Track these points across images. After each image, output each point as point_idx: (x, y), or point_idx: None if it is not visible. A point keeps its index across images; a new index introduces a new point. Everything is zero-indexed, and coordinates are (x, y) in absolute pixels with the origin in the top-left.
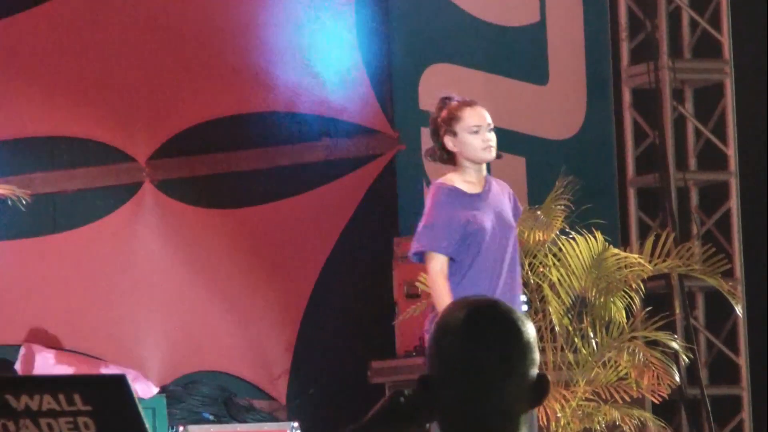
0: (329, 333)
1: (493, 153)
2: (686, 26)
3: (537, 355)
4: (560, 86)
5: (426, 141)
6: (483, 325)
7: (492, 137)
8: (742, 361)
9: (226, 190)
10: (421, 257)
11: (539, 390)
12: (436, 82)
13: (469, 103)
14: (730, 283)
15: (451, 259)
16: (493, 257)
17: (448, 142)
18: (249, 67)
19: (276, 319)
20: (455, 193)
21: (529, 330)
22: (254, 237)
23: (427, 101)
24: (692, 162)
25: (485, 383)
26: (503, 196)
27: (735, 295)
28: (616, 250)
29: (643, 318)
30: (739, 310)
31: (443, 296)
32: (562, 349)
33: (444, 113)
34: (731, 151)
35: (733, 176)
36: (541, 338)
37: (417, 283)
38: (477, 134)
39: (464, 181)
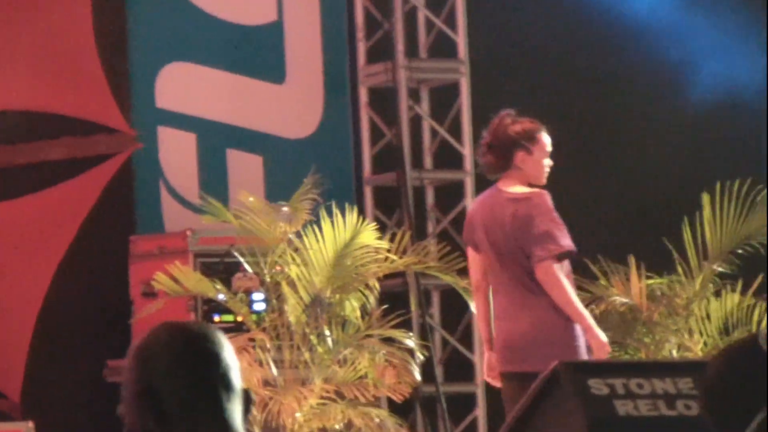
0: (65, 331)
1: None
2: (422, 26)
3: (236, 374)
4: (297, 85)
5: (163, 139)
6: (183, 349)
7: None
8: (477, 358)
9: None
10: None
11: (247, 402)
12: (174, 81)
13: (542, 127)
14: (466, 281)
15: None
16: None
17: (519, 157)
18: None
19: (10, 317)
20: None
21: (229, 353)
22: None
23: (164, 100)
24: (428, 161)
25: (208, 402)
26: None
27: (470, 293)
28: (365, 236)
29: (380, 316)
30: (473, 307)
31: (572, 295)
32: (299, 348)
33: (519, 128)
34: (467, 151)
35: (469, 175)
36: (277, 336)
37: (153, 282)
38: (547, 158)
39: None
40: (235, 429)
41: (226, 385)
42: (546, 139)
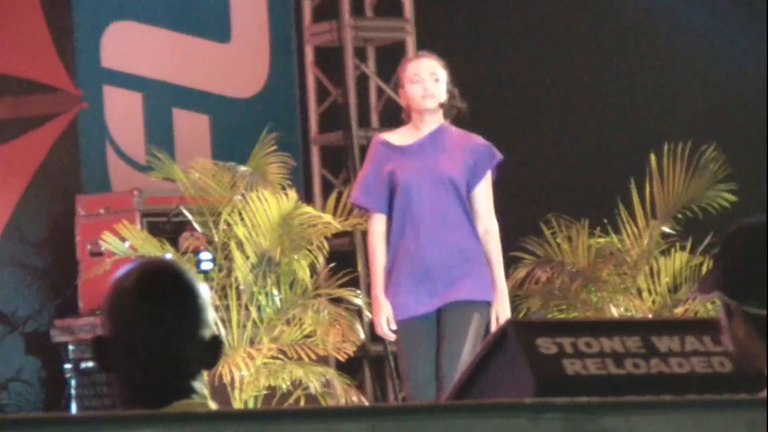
0: (12, 292)
1: (432, 102)
2: None
3: (211, 316)
4: (243, 44)
5: (108, 98)
6: (156, 284)
7: (433, 87)
8: None
9: None
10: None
11: (214, 351)
12: (119, 40)
13: (416, 56)
14: None
15: (389, 216)
16: (421, 211)
17: (402, 97)
18: None
19: None
20: (384, 145)
21: (203, 290)
22: None
23: (109, 59)
24: (375, 120)
25: (160, 340)
26: (455, 148)
27: None
28: (308, 209)
29: (327, 276)
30: None
31: (371, 256)
32: (247, 308)
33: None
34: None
35: None
36: (225, 296)
37: (100, 242)
38: (417, 83)
39: (402, 133)
40: (182, 371)
41: (194, 327)
42: (411, 66)
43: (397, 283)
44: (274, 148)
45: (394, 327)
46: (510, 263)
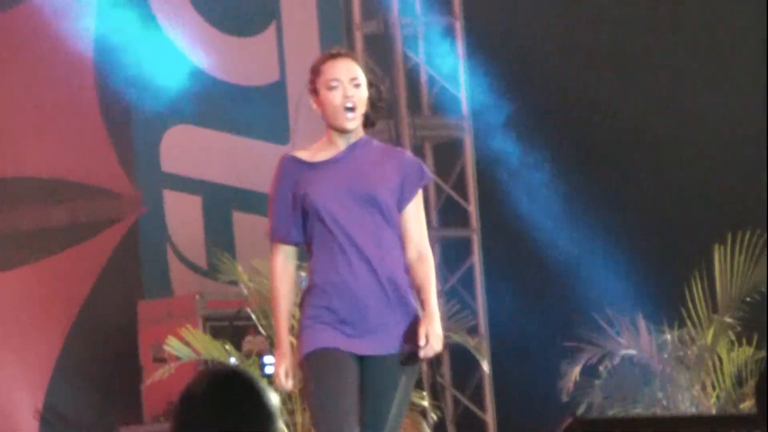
0: (76, 399)
1: (353, 122)
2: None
3: (280, 424)
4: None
5: (168, 202)
6: (227, 392)
7: (356, 94)
8: (489, 417)
9: None
10: None
11: None
12: (178, 144)
13: (331, 55)
14: (476, 340)
15: (307, 244)
16: (340, 238)
17: (312, 102)
18: None
19: (21, 386)
20: (292, 163)
21: (273, 398)
22: None
23: (169, 163)
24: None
25: None
26: (379, 164)
27: (480, 351)
28: None
29: None
30: (485, 366)
31: (273, 295)
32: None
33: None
34: (472, 208)
35: (476, 233)
36: (289, 398)
37: (164, 346)
38: (335, 90)
39: (315, 149)
40: None
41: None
42: (329, 71)
43: (312, 318)
44: None
45: (291, 383)
46: (567, 354)
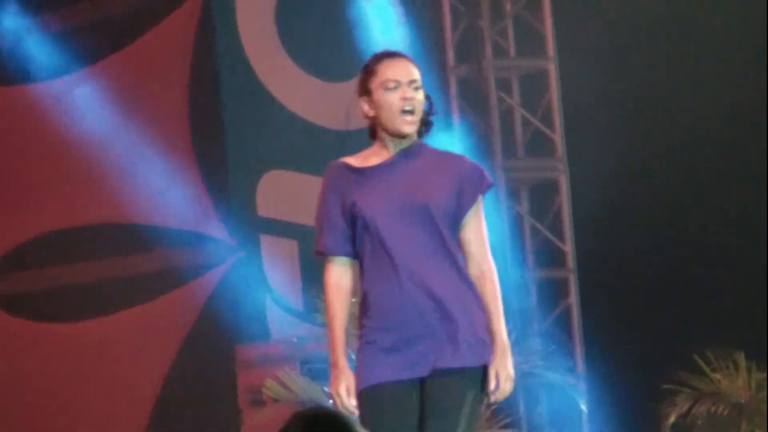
0: None
1: (412, 122)
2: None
3: None
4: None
5: (265, 246)
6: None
7: (415, 96)
8: None
9: (61, 304)
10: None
11: None
12: (274, 189)
13: (389, 55)
14: (573, 378)
15: (358, 257)
16: (393, 251)
17: (364, 105)
18: (77, 179)
19: (120, 431)
20: (340, 170)
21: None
22: (95, 348)
23: (265, 208)
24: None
25: None
26: (434, 170)
27: (577, 389)
28: None
29: (489, 416)
30: (582, 405)
31: (328, 313)
32: None
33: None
34: (568, 248)
35: (572, 273)
36: None
37: (263, 390)
38: (393, 91)
39: (365, 155)
40: None
41: None
42: (387, 71)
43: (368, 342)
44: None
45: (354, 402)
46: (666, 396)
